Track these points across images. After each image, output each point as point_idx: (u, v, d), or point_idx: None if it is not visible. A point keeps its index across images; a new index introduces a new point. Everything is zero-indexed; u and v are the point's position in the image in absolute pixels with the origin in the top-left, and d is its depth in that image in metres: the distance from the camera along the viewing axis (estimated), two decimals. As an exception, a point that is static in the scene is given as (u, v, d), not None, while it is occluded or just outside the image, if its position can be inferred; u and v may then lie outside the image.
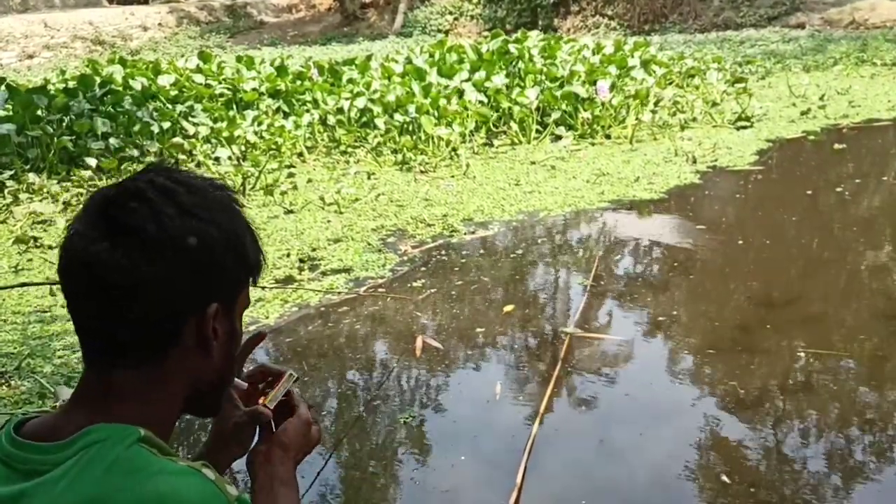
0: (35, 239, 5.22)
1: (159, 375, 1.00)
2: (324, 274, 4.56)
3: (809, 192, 5.88)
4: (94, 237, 0.94)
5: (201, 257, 0.97)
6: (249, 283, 1.10)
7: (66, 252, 0.97)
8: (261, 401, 1.25)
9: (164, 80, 8.63)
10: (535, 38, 10.30)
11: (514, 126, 7.95)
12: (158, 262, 0.94)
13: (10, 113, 6.75)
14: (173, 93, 8.25)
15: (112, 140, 6.77)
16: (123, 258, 0.93)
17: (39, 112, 6.86)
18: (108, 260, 0.93)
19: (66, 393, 3.09)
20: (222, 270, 1.02)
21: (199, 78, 9.06)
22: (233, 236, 1.02)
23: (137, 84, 8.16)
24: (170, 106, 7.78)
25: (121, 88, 7.91)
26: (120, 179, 1.02)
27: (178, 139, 7.10)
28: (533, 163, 7.03)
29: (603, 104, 8.05)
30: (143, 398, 0.98)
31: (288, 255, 4.85)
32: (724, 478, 2.53)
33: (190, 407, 1.08)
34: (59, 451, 0.91)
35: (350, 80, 9.33)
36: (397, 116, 7.78)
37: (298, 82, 9.25)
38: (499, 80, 8.49)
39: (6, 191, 6.02)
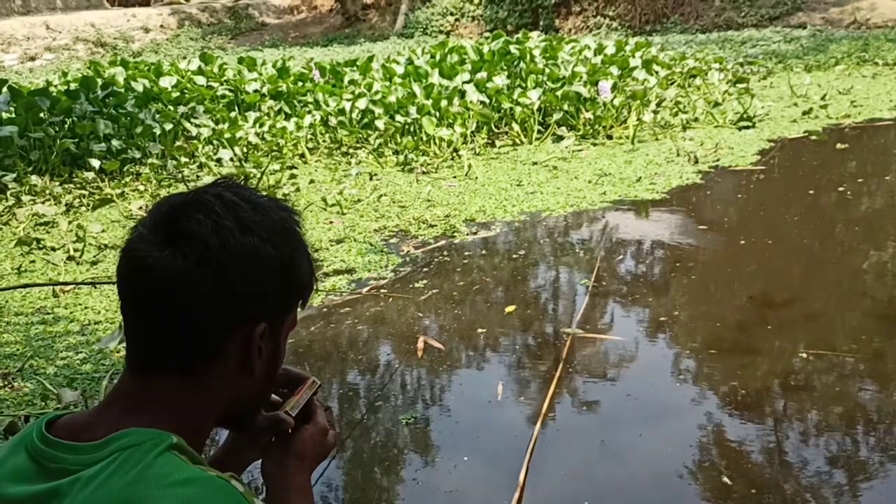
0: (37, 240, 5.23)
1: (199, 387, 1.00)
2: (326, 275, 4.56)
3: (812, 191, 5.88)
4: (156, 243, 0.96)
5: (256, 276, 0.99)
6: (298, 305, 1.11)
7: (126, 254, 0.99)
8: (284, 407, 1.25)
9: (166, 82, 8.66)
10: (536, 38, 10.32)
11: (516, 126, 7.95)
12: (215, 275, 0.96)
13: (13, 115, 6.77)
14: (175, 94, 8.26)
15: (114, 142, 6.78)
16: (182, 267, 0.95)
17: (42, 114, 6.87)
18: (167, 266, 0.95)
19: (68, 396, 3.10)
20: (275, 291, 1.03)
21: (200, 79, 9.08)
22: (289, 258, 1.04)
23: (139, 86, 8.18)
24: (172, 107, 7.79)
25: (123, 90, 7.93)
26: (190, 189, 1.04)
27: (180, 141, 7.11)
28: (535, 163, 7.03)
29: (605, 104, 8.05)
30: (180, 406, 0.99)
31: (290, 257, 4.84)
32: (726, 479, 2.53)
33: (224, 421, 1.09)
34: (92, 452, 0.92)
35: (351, 82, 9.34)
36: (399, 117, 7.79)
37: (300, 83, 9.27)
38: (500, 80, 8.50)
39: (8, 193, 6.03)
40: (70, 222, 5.43)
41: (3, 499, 0.93)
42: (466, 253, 4.87)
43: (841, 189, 5.78)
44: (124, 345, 1.04)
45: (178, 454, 0.92)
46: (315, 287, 1.13)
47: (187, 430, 0.98)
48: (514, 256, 4.80)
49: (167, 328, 0.97)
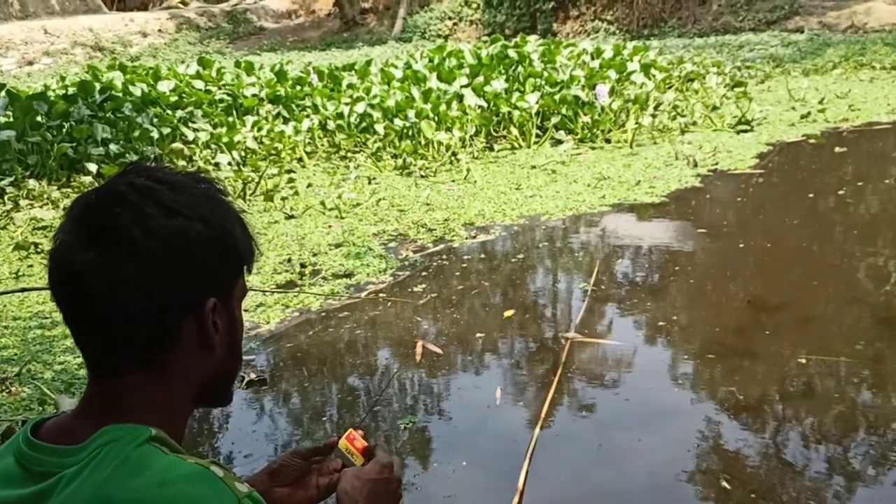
0: (35, 245, 5.22)
1: (165, 376, 0.99)
2: (325, 279, 4.56)
3: (810, 195, 5.87)
4: (79, 247, 0.93)
5: (191, 255, 0.96)
6: (244, 272, 1.08)
7: (54, 264, 0.96)
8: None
9: (164, 86, 8.66)
10: (534, 42, 10.33)
11: (514, 130, 7.96)
12: (148, 266, 0.93)
13: (11, 119, 6.76)
14: (173, 98, 8.26)
15: (112, 146, 6.77)
16: (112, 266, 0.92)
17: (39, 118, 6.87)
18: (96, 269, 0.92)
19: (66, 402, 3.09)
20: (214, 265, 1.00)
21: (198, 84, 9.08)
22: (220, 229, 1.01)
23: (137, 90, 8.18)
24: (170, 112, 7.79)
25: (121, 94, 7.93)
26: (99, 184, 1.00)
27: (177, 145, 7.11)
28: (533, 167, 7.02)
29: (603, 108, 8.06)
30: (151, 401, 0.98)
31: (289, 261, 4.84)
32: (724, 483, 2.53)
33: (202, 400, 1.08)
34: (75, 455, 0.92)
35: (350, 86, 9.35)
36: (397, 121, 7.79)
37: (298, 87, 9.27)
38: (498, 84, 8.51)
39: (6, 197, 6.02)
40: (67, 227, 5.41)
41: None
42: (465, 257, 4.87)
43: (840, 193, 5.78)
44: None
45: (157, 445, 0.92)
46: (256, 249, 1.09)
47: (165, 421, 0.97)
48: (513, 260, 4.79)
49: (115, 330, 0.95)
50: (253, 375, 3.39)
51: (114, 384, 0.98)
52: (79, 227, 0.95)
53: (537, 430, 2.86)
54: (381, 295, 4.29)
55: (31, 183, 6.14)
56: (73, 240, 0.94)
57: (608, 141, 7.94)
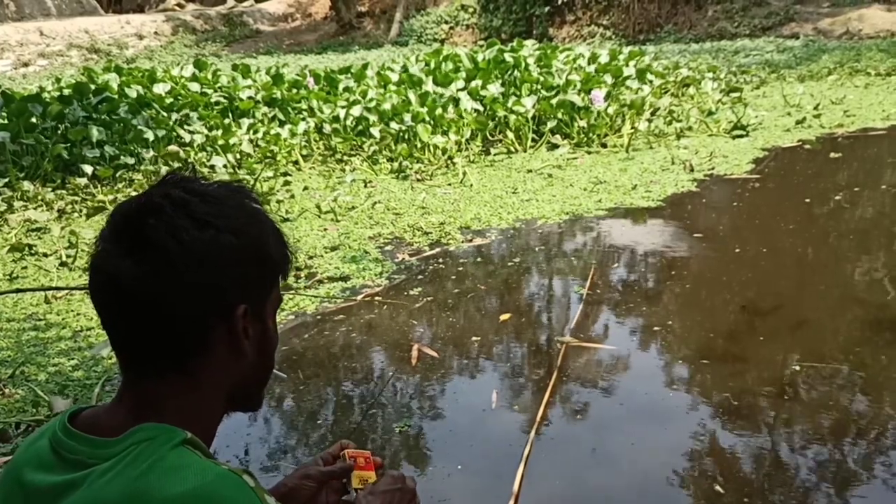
0: (30, 247, 5.20)
1: (198, 381, 1.03)
2: (320, 282, 4.55)
3: (807, 200, 5.88)
4: (118, 254, 0.97)
5: (222, 265, 1.00)
6: (279, 281, 1.12)
7: (94, 269, 1.00)
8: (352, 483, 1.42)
9: (160, 88, 8.64)
10: (530, 46, 10.35)
11: (511, 134, 7.96)
12: (182, 276, 0.97)
13: (5, 121, 6.74)
14: (169, 101, 8.25)
15: (107, 148, 6.76)
16: (147, 274, 0.96)
17: (34, 120, 6.85)
18: (133, 276, 0.96)
19: (60, 404, 3.08)
20: (246, 274, 1.04)
21: (194, 86, 9.07)
22: (252, 240, 1.05)
23: (133, 92, 8.16)
24: (165, 114, 7.78)
25: (116, 96, 7.91)
26: (140, 192, 1.05)
27: (173, 147, 7.09)
28: (529, 171, 7.03)
29: (599, 113, 8.07)
30: (183, 404, 1.01)
31: (284, 263, 4.83)
32: (718, 487, 2.53)
33: (233, 405, 1.11)
34: (109, 447, 0.95)
35: (346, 89, 9.35)
36: (393, 125, 7.79)
37: (294, 90, 9.27)
38: (494, 88, 8.52)
39: (1, 198, 6.00)
40: (62, 228, 5.41)
41: (24, 484, 0.97)
42: (461, 260, 4.86)
43: (836, 198, 5.79)
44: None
45: (191, 448, 0.95)
46: (291, 257, 1.14)
47: (196, 424, 1.00)
48: (509, 264, 4.79)
49: (149, 335, 0.99)
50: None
51: (147, 387, 1.01)
52: (118, 235, 0.99)
53: (533, 433, 2.86)
54: (376, 298, 4.28)
55: (26, 184, 6.12)
56: (112, 247, 0.99)
57: (604, 145, 7.95)
